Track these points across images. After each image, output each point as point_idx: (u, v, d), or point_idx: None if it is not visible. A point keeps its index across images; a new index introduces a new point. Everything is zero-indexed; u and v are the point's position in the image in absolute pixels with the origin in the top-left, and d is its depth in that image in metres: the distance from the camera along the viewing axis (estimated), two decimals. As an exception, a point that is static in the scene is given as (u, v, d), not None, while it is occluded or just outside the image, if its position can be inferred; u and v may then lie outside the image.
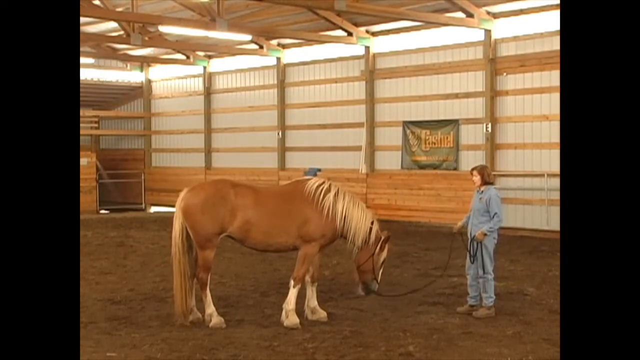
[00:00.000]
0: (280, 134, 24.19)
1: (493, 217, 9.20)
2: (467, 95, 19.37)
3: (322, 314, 9.10)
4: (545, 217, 17.57)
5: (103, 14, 20.38)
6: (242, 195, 8.82)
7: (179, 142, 28.34)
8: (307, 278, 9.13)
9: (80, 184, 23.74)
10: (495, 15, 18.44)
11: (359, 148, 21.67)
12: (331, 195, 8.90)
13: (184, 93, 28.16)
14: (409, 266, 13.33)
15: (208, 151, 26.96)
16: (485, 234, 9.18)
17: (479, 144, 19.05)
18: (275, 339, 8.20)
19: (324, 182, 9.06)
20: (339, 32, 21.02)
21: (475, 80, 19.15)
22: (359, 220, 8.93)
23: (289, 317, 8.75)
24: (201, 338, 8.24)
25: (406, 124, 20.71)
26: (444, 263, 13.21)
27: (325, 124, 22.91)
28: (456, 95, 19.64)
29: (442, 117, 19.94)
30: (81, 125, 27.28)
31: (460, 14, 18.19)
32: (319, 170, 20.06)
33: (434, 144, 20.10)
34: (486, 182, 9.46)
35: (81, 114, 27.18)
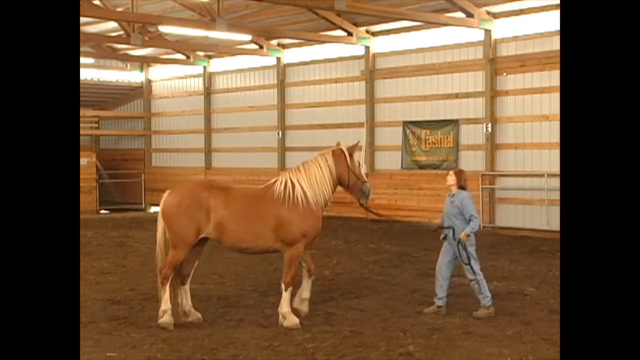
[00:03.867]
0: (280, 134, 24.19)
1: (470, 219, 9.22)
2: (467, 95, 19.37)
3: (306, 309, 9.11)
4: (545, 217, 17.57)
5: (103, 14, 20.38)
6: (214, 197, 8.79)
7: (179, 142, 28.34)
8: (304, 272, 9.18)
9: (80, 184, 23.73)
10: (495, 15, 18.44)
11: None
12: (297, 187, 8.88)
13: (184, 93, 28.17)
14: (409, 266, 13.33)
15: (208, 151, 26.96)
16: (468, 235, 9.23)
17: (479, 144, 19.06)
18: (275, 339, 8.20)
19: (286, 180, 8.99)
20: (339, 32, 21.02)
21: (475, 80, 19.15)
22: (321, 182, 9.01)
23: (288, 318, 8.74)
24: (201, 338, 8.24)
25: (406, 124, 20.71)
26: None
27: (325, 124, 22.90)
28: (456, 95, 19.64)
29: (442, 117, 19.95)
30: (81, 125, 27.27)
31: (460, 14, 18.20)
32: None
33: (434, 144, 20.10)
34: (461, 186, 9.52)
35: (81, 114, 27.16)
